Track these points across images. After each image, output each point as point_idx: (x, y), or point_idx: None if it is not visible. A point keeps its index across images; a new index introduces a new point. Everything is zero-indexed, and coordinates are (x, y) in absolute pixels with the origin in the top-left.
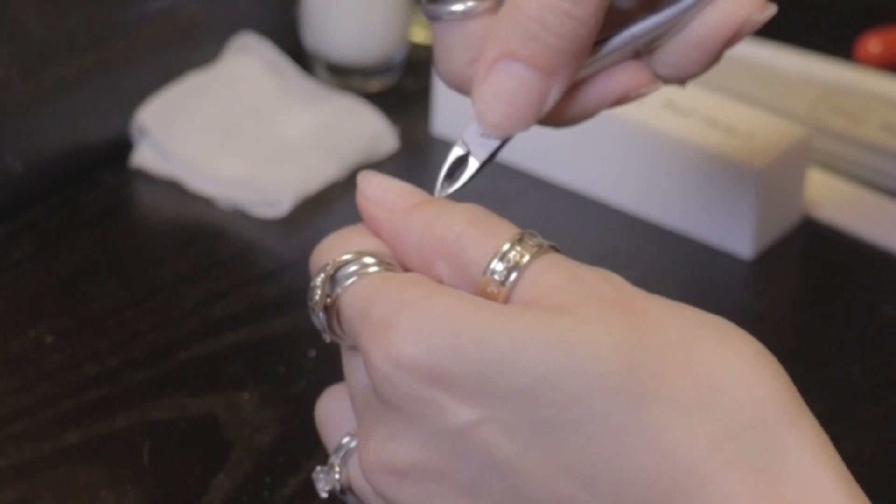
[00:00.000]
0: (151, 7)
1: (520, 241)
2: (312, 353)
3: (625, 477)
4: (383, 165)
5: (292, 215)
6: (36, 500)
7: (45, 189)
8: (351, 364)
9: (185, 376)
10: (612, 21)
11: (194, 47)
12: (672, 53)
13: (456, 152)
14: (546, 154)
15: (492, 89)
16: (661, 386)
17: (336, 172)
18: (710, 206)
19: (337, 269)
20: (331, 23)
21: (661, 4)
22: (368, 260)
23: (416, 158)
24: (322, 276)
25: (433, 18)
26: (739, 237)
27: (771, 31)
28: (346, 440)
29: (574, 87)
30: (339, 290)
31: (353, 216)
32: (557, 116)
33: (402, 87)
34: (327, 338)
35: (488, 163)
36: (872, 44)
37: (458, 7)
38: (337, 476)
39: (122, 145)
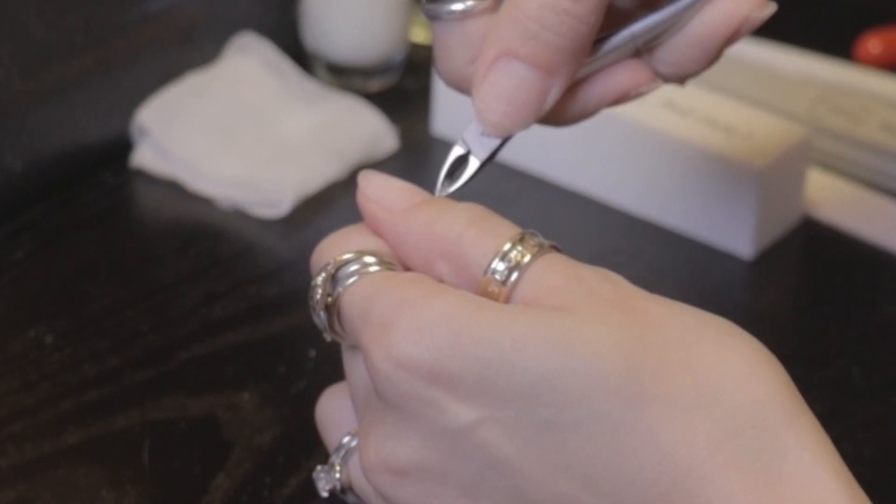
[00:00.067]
0: (151, 7)
1: (521, 240)
2: (312, 353)
3: (624, 477)
4: (383, 165)
5: (292, 215)
6: (36, 500)
7: (45, 189)
8: (351, 363)
9: (185, 376)
10: (612, 20)
11: (194, 47)
12: (672, 52)
13: (456, 151)
14: (546, 154)
15: (492, 88)
16: (661, 386)
17: (336, 172)
18: (710, 206)
19: (338, 269)
20: (331, 23)
21: (660, 3)
22: (369, 259)
23: (416, 158)
24: (323, 275)
25: (433, 18)
26: (739, 237)
27: (771, 31)
28: (346, 439)
29: (574, 86)
30: (339, 289)
31: (353, 216)
32: (557, 115)
33: (402, 87)
34: (328, 337)
35: (489, 162)
36: (872, 44)
37: (457, 6)
38: (337, 475)
39: (122, 145)
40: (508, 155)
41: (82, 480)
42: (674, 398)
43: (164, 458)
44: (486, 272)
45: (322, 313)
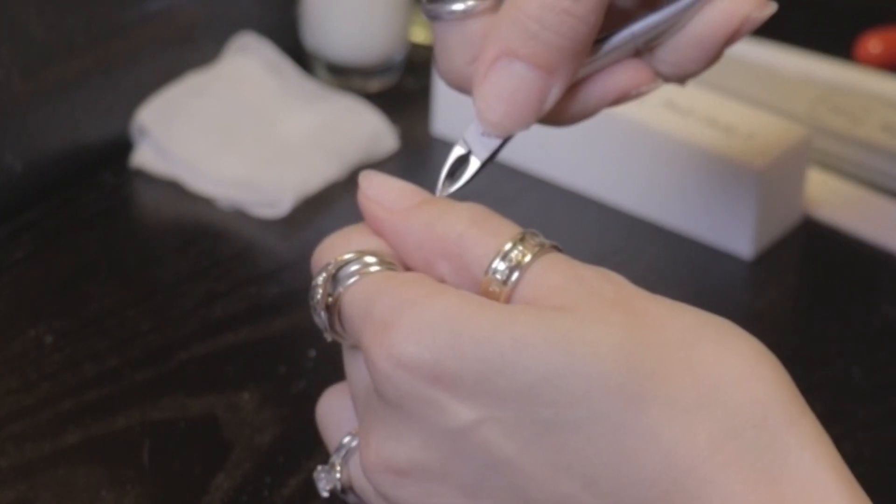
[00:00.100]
0: (151, 7)
1: (522, 240)
2: (312, 353)
3: (625, 477)
4: (383, 165)
5: (292, 215)
6: (36, 500)
7: (45, 189)
8: (352, 363)
9: (185, 376)
10: (613, 19)
11: (194, 47)
12: (672, 52)
13: (457, 151)
14: (546, 154)
15: (492, 88)
16: (662, 386)
17: (336, 172)
18: (710, 206)
19: (338, 269)
20: (331, 23)
21: (661, 3)
22: (370, 259)
23: (416, 158)
24: (324, 275)
25: (433, 18)
26: (739, 237)
27: (771, 31)
28: (347, 439)
29: (574, 86)
30: (340, 289)
31: (353, 216)
32: (558, 115)
33: (402, 87)
34: (329, 337)
35: (489, 162)
36: (872, 44)
37: (458, 6)
38: (338, 475)
39: (122, 145)
40: (509, 155)
41: (82, 480)
42: (674, 398)
43: (164, 458)
44: (486, 272)
45: (323, 313)
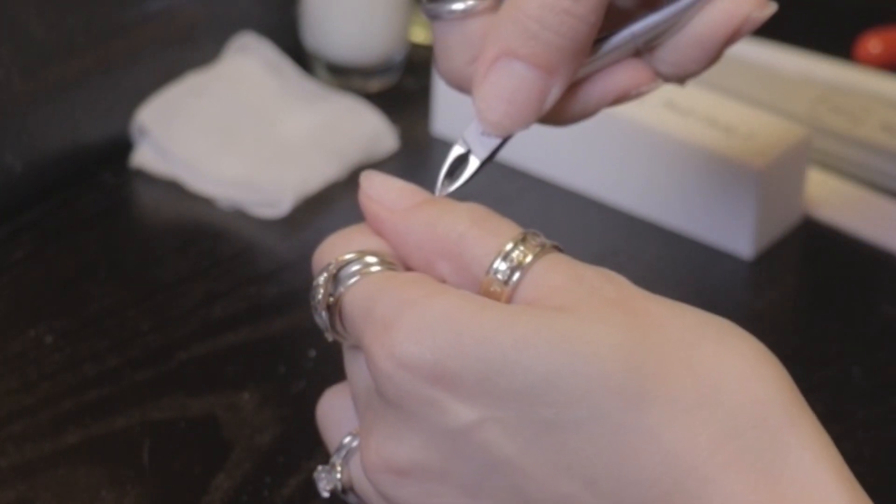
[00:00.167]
0: (151, 7)
1: (523, 240)
2: (312, 353)
3: (625, 477)
4: (383, 165)
5: (292, 215)
6: (36, 500)
7: (45, 189)
8: (353, 363)
9: (185, 376)
10: (613, 19)
11: (194, 47)
12: (672, 52)
13: (456, 151)
14: (546, 154)
15: (492, 88)
16: (662, 386)
17: (336, 172)
18: (710, 206)
19: (339, 269)
20: (331, 23)
21: (661, 3)
22: (371, 259)
23: (416, 158)
24: (325, 275)
25: (433, 17)
26: (739, 237)
27: (771, 31)
28: (347, 439)
29: (574, 86)
30: (341, 289)
31: (353, 216)
32: (558, 115)
33: (402, 87)
34: (329, 337)
35: (489, 161)
36: (872, 44)
37: (458, 6)
38: (338, 476)
39: (122, 145)
40: (509, 155)
41: (82, 480)
42: (675, 398)
43: (164, 458)
44: (487, 272)
45: (324, 313)
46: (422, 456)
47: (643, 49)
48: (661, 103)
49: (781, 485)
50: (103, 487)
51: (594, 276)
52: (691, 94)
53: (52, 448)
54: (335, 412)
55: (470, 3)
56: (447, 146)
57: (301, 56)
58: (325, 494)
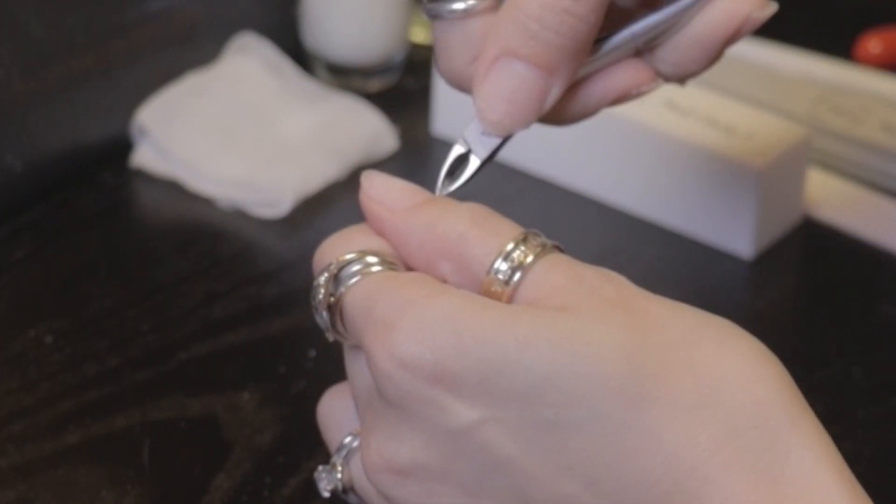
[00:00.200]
0: (151, 7)
1: (524, 240)
2: (312, 353)
3: (626, 477)
4: (383, 165)
5: (292, 215)
6: (36, 500)
7: (45, 189)
8: (353, 363)
9: (185, 376)
10: (613, 19)
11: (194, 47)
12: (673, 51)
13: (457, 150)
14: (546, 154)
15: (492, 87)
16: (663, 386)
17: (336, 172)
18: (710, 206)
19: (340, 269)
20: (331, 23)
21: (661, 3)
22: (371, 259)
23: (416, 158)
24: (325, 275)
25: (434, 17)
26: (739, 237)
27: (771, 31)
28: (348, 440)
29: (575, 86)
30: (342, 289)
31: (353, 216)
32: (558, 114)
33: (402, 87)
34: (330, 337)
35: (489, 161)
36: (872, 44)
37: (458, 5)
38: (339, 476)
39: (122, 145)
40: (509, 155)
41: (82, 480)
42: (675, 399)
43: (164, 458)
44: (488, 272)
45: (325, 313)
46: (423, 456)
47: (643, 49)
48: (661, 103)
49: (782, 485)
50: (103, 487)
51: (595, 277)
52: (691, 94)
53: (52, 448)
54: (336, 412)
55: (470, 2)
56: (447, 146)
57: (301, 56)
58: (326, 494)
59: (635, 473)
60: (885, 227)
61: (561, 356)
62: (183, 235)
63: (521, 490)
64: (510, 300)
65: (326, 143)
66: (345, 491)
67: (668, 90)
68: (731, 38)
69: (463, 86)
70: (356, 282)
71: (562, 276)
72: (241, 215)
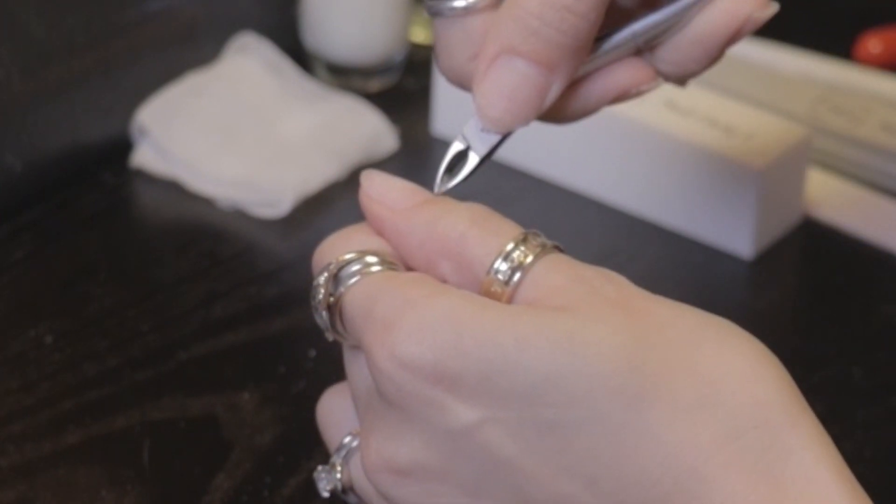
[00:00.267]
0: (151, 7)
1: (524, 240)
2: (312, 353)
3: (626, 477)
4: (383, 165)
5: (292, 215)
6: (36, 500)
7: (45, 189)
8: (353, 363)
9: (185, 376)
10: (613, 18)
11: (194, 47)
12: (673, 51)
13: (456, 147)
14: (546, 154)
15: (493, 85)
16: (663, 386)
17: (336, 172)
18: (710, 206)
19: (340, 268)
20: (331, 23)
21: (662, 2)
22: (371, 259)
23: (416, 158)
24: (325, 275)
25: (434, 14)
26: (739, 237)
27: (771, 31)
28: (347, 439)
29: (575, 84)
30: (342, 289)
31: (353, 216)
32: (558, 112)
33: (402, 87)
34: (330, 337)
35: (488, 158)
36: (872, 44)
37: (459, 3)
38: (338, 476)
39: (122, 145)
40: (509, 155)
41: (82, 480)
42: (676, 399)
43: (164, 458)
44: (488, 272)
45: (324, 313)
46: (422, 456)
47: (644, 48)
48: (661, 103)
49: (782, 485)
50: (103, 487)
51: (595, 277)
52: (691, 94)
53: (52, 448)
54: (335, 412)
55: (471, 0)
56: (447, 146)
57: (301, 56)
58: (326, 494)
59: (635, 473)
60: (885, 227)
61: (561, 356)
62: (183, 235)
63: (520, 490)
64: (510, 300)
65: (326, 143)
66: (344, 491)
67: (668, 90)
68: (732, 38)
69: (463, 83)
70: (356, 282)
71: (562, 276)
72: (241, 215)
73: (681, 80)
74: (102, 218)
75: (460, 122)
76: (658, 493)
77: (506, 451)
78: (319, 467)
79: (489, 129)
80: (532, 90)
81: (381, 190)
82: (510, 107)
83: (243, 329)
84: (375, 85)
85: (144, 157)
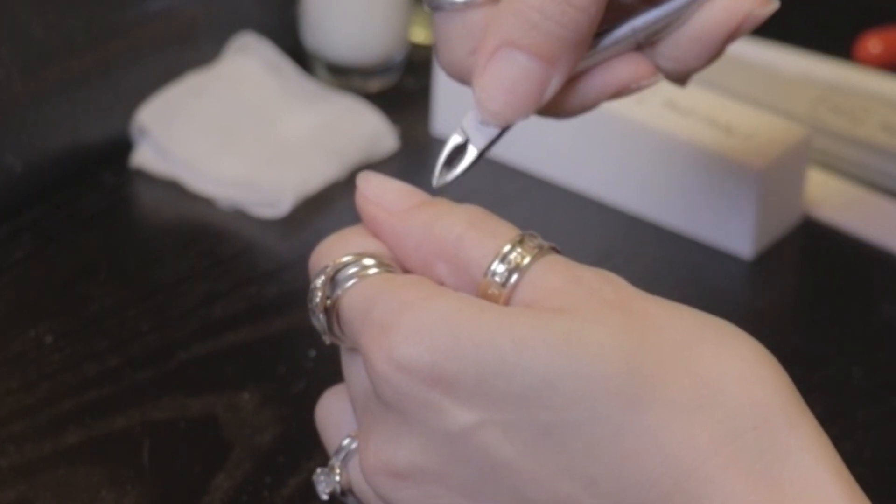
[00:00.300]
0: (151, 7)
1: (520, 242)
2: (312, 353)
3: (625, 478)
4: (383, 165)
5: (292, 215)
6: (36, 500)
7: (45, 189)
8: (351, 366)
9: (185, 376)
10: (614, 14)
11: (194, 47)
12: (674, 47)
13: (454, 140)
14: (546, 154)
15: (493, 78)
16: (662, 387)
17: (336, 172)
18: (710, 206)
19: (337, 271)
20: (331, 23)
21: None
22: (368, 261)
23: (416, 158)
24: (322, 277)
25: (435, 8)
26: (739, 237)
27: (771, 31)
28: (346, 441)
29: (574, 78)
30: (339, 291)
31: (352, 216)
32: (557, 107)
33: (402, 87)
34: (327, 340)
35: (487, 151)
36: (872, 44)
37: None
38: (338, 478)
39: (122, 145)
40: (509, 155)
41: (82, 480)
42: (674, 400)
43: (164, 458)
44: (485, 274)
45: (321, 316)
46: (421, 459)
47: (644, 43)
48: (661, 103)
49: (781, 486)
50: (103, 487)
51: (592, 278)
52: (691, 94)
53: (52, 448)
54: (334, 414)
55: None
56: None
57: (301, 56)
58: (325, 497)
59: (634, 474)
60: (885, 227)
61: (558, 358)
62: (183, 235)
63: (519, 492)
64: (507, 302)
65: (326, 143)
66: (343, 493)
67: (668, 90)
68: (732, 35)
69: (463, 78)
70: (353, 284)
71: (559, 277)
72: (241, 215)
73: (681, 76)
74: (102, 218)
75: (460, 122)
76: (657, 494)
77: (504, 453)
78: (318, 470)
79: (488, 123)
80: (532, 84)
81: (377, 191)
82: (510, 100)
83: (243, 329)
84: (375, 85)
85: (144, 157)
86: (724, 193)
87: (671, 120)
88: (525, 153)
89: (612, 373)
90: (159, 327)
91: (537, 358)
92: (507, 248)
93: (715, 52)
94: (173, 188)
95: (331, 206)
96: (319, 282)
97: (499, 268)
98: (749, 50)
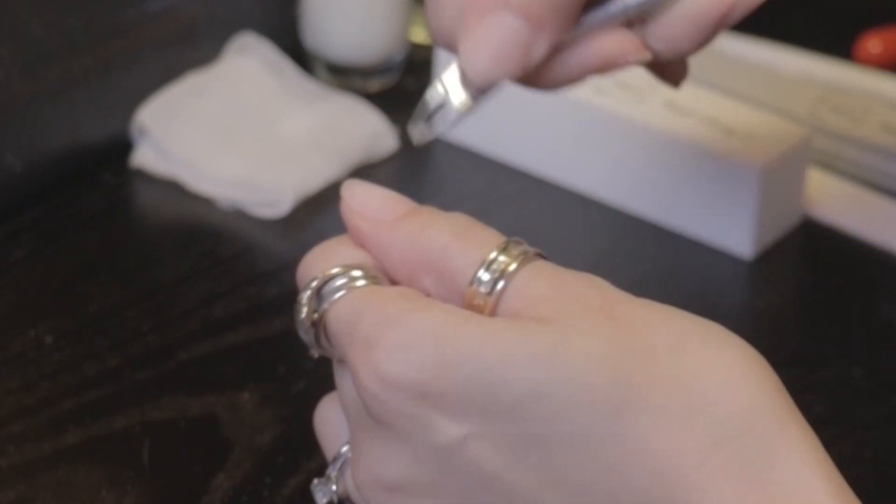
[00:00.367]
0: (151, 7)
1: (504, 249)
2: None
3: (615, 488)
4: (383, 165)
5: (292, 215)
6: (36, 500)
7: (45, 189)
8: (342, 378)
9: (185, 376)
10: None
11: (194, 47)
12: (664, 26)
13: (434, 94)
14: (546, 154)
15: (480, 36)
16: (648, 395)
17: (336, 172)
18: (710, 206)
19: (324, 284)
20: (331, 23)
21: None
22: (356, 273)
23: (416, 158)
24: (308, 292)
25: None
26: (739, 237)
27: (771, 31)
28: (344, 449)
29: (560, 50)
30: (325, 305)
31: None
32: (541, 77)
33: (402, 87)
34: (315, 353)
35: (466, 114)
36: (872, 44)
37: None
38: (334, 487)
39: (122, 145)
40: (509, 155)
41: (82, 480)
42: (661, 408)
43: (164, 458)
44: (471, 283)
45: (309, 329)
46: (411, 472)
47: (635, 21)
48: (661, 103)
49: (770, 490)
50: (103, 487)
51: (578, 283)
52: (691, 94)
53: (52, 448)
54: (331, 421)
55: None
56: (447, 147)
57: (301, 56)
58: None
59: (624, 483)
60: (885, 227)
61: (544, 369)
62: (183, 235)
63: (509, 502)
64: (494, 310)
65: (326, 143)
66: (341, 502)
67: (668, 90)
68: (724, 19)
69: (452, 43)
70: (340, 297)
71: (545, 284)
72: (241, 215)
73: (671, 59)
74: (102, 218)
75: (460, 123)
76: (647, 502)
77: (492, 466)
78: (315, 480)
79: (471, 82)
80: (518, 44)
81: (362, 200)
82: (496, 59)
83: (243, 329)
84: (375, 85)
85: (144, 157)
86: (724, 193)
87: (671, 120)
88: (525, 153)
89: (597, 383)
90: (159, 327)
91: (523, 370)
92: (491, 255)
93: (706, 36)
94: (173, 188)
95: (331, 206)
96: (305, 297)
97: (484, 276)
98: (749, 50)
